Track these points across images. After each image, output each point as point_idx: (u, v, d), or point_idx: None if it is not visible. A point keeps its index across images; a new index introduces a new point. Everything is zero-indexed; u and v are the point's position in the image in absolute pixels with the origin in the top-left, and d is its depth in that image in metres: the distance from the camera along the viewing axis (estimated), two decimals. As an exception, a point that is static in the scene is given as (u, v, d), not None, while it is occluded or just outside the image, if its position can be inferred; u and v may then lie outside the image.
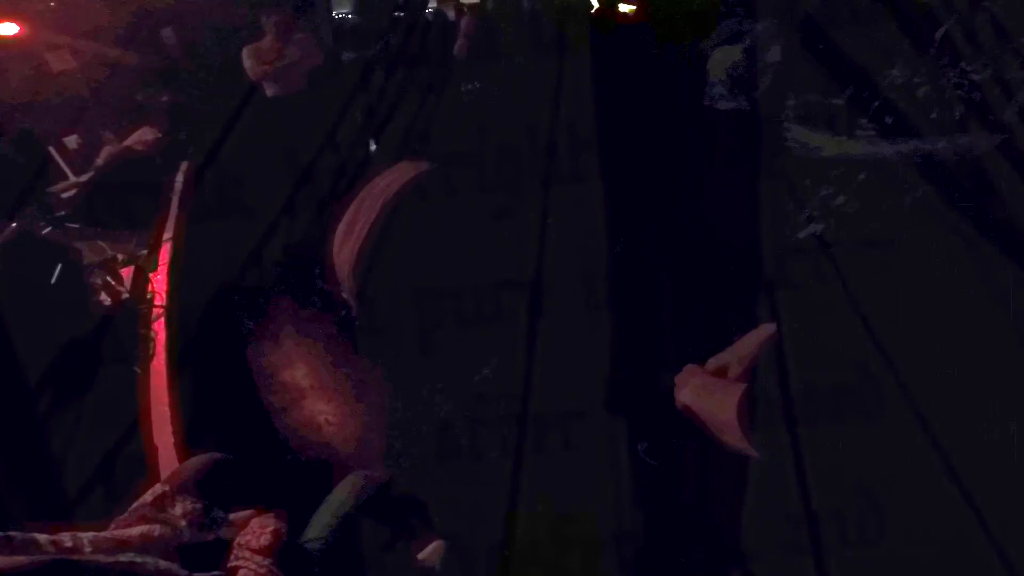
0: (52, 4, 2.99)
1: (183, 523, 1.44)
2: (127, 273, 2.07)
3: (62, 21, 2.96)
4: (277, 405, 2.10)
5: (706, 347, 1.91)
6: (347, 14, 3.96)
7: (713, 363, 1.84)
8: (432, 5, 4.19)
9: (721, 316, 2.00)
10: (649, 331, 2.18)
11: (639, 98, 2.74)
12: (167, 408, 1.77)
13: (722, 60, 2.78)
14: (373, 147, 2.94)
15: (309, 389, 2.10)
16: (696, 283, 2.12)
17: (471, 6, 4.34)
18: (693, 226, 2.25)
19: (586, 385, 2.05)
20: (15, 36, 2.82)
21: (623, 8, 4.35)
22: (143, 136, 2.74)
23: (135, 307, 2.00)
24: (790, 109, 2.57)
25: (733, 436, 1.69)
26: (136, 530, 1.35)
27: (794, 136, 2.45)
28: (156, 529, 1.39)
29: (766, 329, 1.82)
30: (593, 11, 4.38)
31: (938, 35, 2.49)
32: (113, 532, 1.31)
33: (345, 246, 2.13)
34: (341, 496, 1.64)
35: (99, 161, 2.64)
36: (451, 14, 4.25)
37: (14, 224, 2.09)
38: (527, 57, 3.27)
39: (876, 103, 2.47)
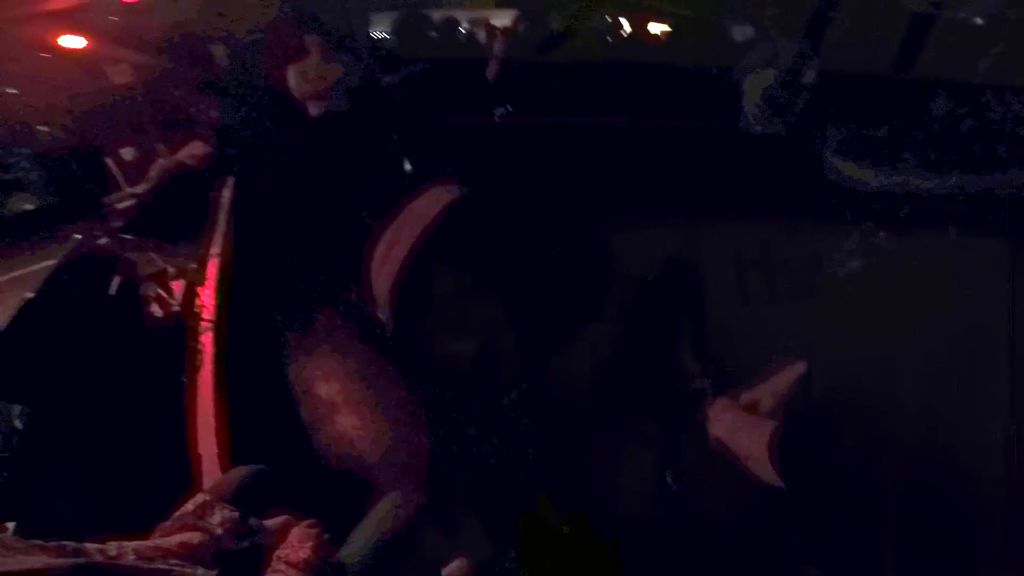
0: (115, 19, 3.13)
1: (220, 531, 1.48)
2: (178, 286, 2.15)
3: (123, 36, 3.10)
4: (311, 419, 2.17)
5: (738, 377, 1.94)
6: (385, 36, 4.06)
7: (746, 398, 1.86)
8: (464, 26, 4.26)
9: (753, 349, 2.02)
10: (679, 356, 2.20)
11: (671, 121, 2.75)
12: (212, 419, 1.85)
13: (756, 84, 2.73)
14: (408, 167, 3.00)
15: (342, 404, 2.16)
16: (728, 312, 2.15)
17: (503, 29, 4.41)
18: (724, 259, 2.27)
19: (612, 412, 2.09)
20: (82, 50, 2.96)
21: (654, 29, 4.37)
22: (193, 150, 2.84)
23: (185, 320, 2.08)
24: (830, 140, 2.53)
25: (764, 471, 1.73)
26: (176, 538, 1.39)
27: (834, 168, 2.43)
28: (196, 536, 1.43)
29: (798, 366, 1.84)
30: (624, 33, 4.42)
31: (982, 67, 2.46)
32: (155, 540, 1.36)
33: (383, 268, 2.19)
34: (380, 515, 1.68)
35: (151, 173, 2.75)
36: (482, 35, 4.31)
37: (78, 236, 2.19)
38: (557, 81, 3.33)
39: (918, 135, 2.42)
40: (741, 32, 3.01)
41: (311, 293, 2.37)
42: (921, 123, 2.41)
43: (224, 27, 3.23)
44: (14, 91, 2.77)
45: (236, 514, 1.48)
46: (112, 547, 1.23)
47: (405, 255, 2.19)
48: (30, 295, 1.94)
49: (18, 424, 1.95)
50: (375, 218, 2.59)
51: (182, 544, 1.37)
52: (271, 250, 2.44)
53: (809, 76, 2.63)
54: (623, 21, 4.37)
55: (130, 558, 1.24)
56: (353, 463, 2.05)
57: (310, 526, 1.50)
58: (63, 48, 2.93)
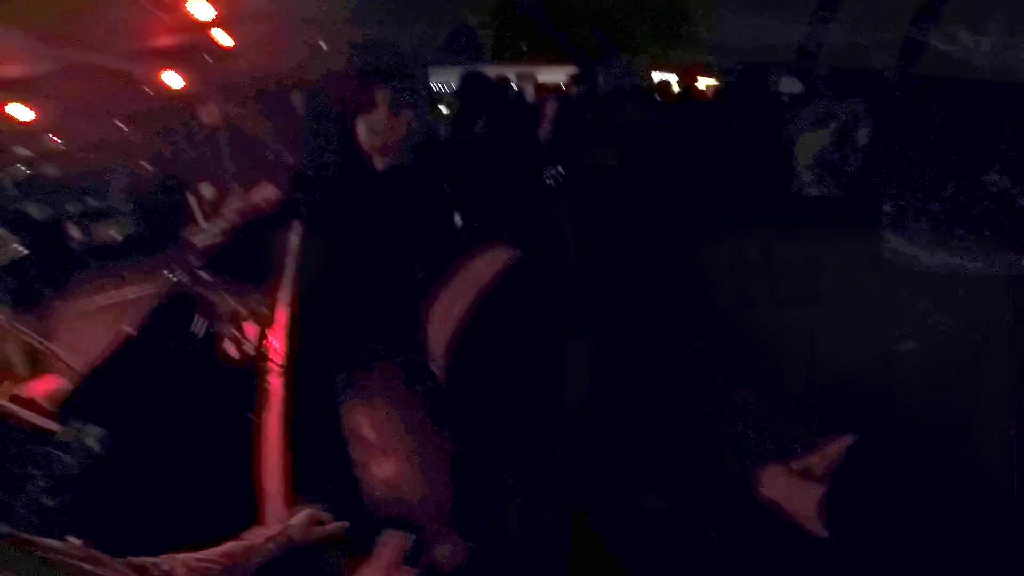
0: (209, 61, 3.38)
1: (260, 541, 1.62)
2: (250, 327, 2.34)
3: (215, 78, 3.35)
4: (358, 461, 2.33)
5: (789, 448, 2.05)
6: (443, 90, 4.27)
7: (798, 465, 2.01)
8: (518, 84, 4.44)
9: (807, 422, 2.11)
10: (730, 422, 2.29)
11: (723, 181, 2.72)
12: (279, 458, 2.01)
13: (809, 145, 2.70)
14: (459, 222, 3.17)
15: (388, 451, 2.31)
16: (783, 388, 2.22)
17: (555, 87, 4.58)
18: (778, 332, 2.30)
19: (654, 472, 2.19)
20: (179, 89, 3.21)
21: (702, 84, 4.47)
22: (265, 193, 3.05)
23: (256, 361, 2.26)
24: (885, 215, 2.44)
25: (813, 525, 1.89)
26: (220, 549, 1.53)
27: (890, 245, 2.36)
28: (238, 547, 1.57)
29: (848, 438, 2.01)
30: (674, 91, 4.51)
31: None
32: (202, 553, 1.50)
33: (442, 325, 2.36)
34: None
35: (226, 213, 2.97)
36: (530, 93, 4.48)
37: (170, 275, 2.37)
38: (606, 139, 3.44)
39: (974, 211, 2.33)
40: (789, 84, 3.06)
41: (367, 341, 2.54)
42: (975, 197, 2.34)
43: (303, 76, 3.47)
44: (123, 126, 3.02)
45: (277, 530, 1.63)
46: (164, 560, 1.38)
47: (462, 314, 2.35)
48: (130, 331, 2.12)
49: (94, 446, 2.11)
50: (429, 273, 2.77)
51: (225, 555, 1.51)
52: (333, 297, 2.62)
53: (863, 137, 2.62)
54: (671, 78, 4.46)
55: (180, 572, 1.39)
56: (397, 509, 2.19)
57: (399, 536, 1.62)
58: (164, 86, 3.18)
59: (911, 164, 2.43)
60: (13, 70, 2.96)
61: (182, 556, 1.42)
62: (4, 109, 2.95)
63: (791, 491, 1.95)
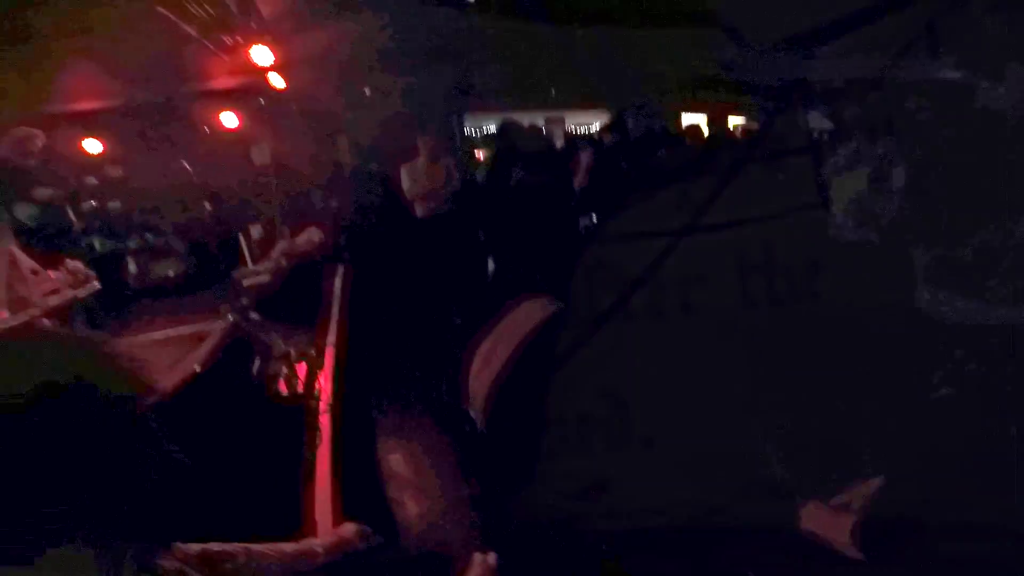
0: (262, 102, 3.57)
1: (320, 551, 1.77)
2: (301, 368, 2.48)
3: (267, 120, 3.54)
4: (393, 497, 2.46)
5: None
6: (486, 137, 4.40)
7: (836, 501, 2.20)
8: (555, 132, 4.52)
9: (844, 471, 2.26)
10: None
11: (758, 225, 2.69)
12: (328, 490, 2.14)
13: (845, 188, 2.68)
14: (492, 268, 3.30)
15: (419, 486, 2.44)
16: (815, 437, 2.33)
17: (586, 138, 4.64)
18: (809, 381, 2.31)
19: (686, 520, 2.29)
20: (234, 129, 3.40)
21: (732, 123, 4.42)
22: (311, 237, 3.21)
23: (306, 401, 2.40)
24: (917, 264, 2.50)
25: (850, 551, 2.12)
26: (277, 545, 1.66)
27: (924, 297, 2.42)
28: (294, 547, 1.71)
29: (879, 480, 2.20)
30: (704, 133, 4.44)
31: None
32: (262, 545, 1.60)
33: (482, 374, 2.50)
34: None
35: (273, 255, 3.12)
36: (561, 139, 4.54)
37: (228, 316, 2.52)
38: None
39: (1005, 262, 2.38)
40: (819, 121, 2.96)
41: (406, 384, 2.68)
42: (1006, 246, 2.39)
43: (350, 121, 3.64)
44: (187, 166, 3.20)
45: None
46: (227, 546, 1.52)
47: (503, 364, 2.50)
48: (198, 368, 2.27)
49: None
50: (466, 319, 2.90)
51: (281, 551, 1.63)
52: (376, 340, 2.76)
53: (899, 178, 2.62)
54: (699, 120, 4.45)
55: (241, 555, 1.52)
56: (429, 541, 2.31)
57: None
58: (220, 125, 3.37)
59: (942, 210, 2.46)
60: (88, 104, 3.15)
61: (242, 544, 1.54)
62: (79, 142, 3.14)
63: (829, 522, 2.14)
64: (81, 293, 2.46)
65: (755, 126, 3.92)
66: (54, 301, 2.39)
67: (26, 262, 2.39)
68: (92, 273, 2.52)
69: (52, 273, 2.44)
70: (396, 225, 3.30)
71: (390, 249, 3.17)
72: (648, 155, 3.99)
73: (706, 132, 4.27)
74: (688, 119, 4.34)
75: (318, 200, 3.35)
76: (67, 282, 2.42)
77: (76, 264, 2.51)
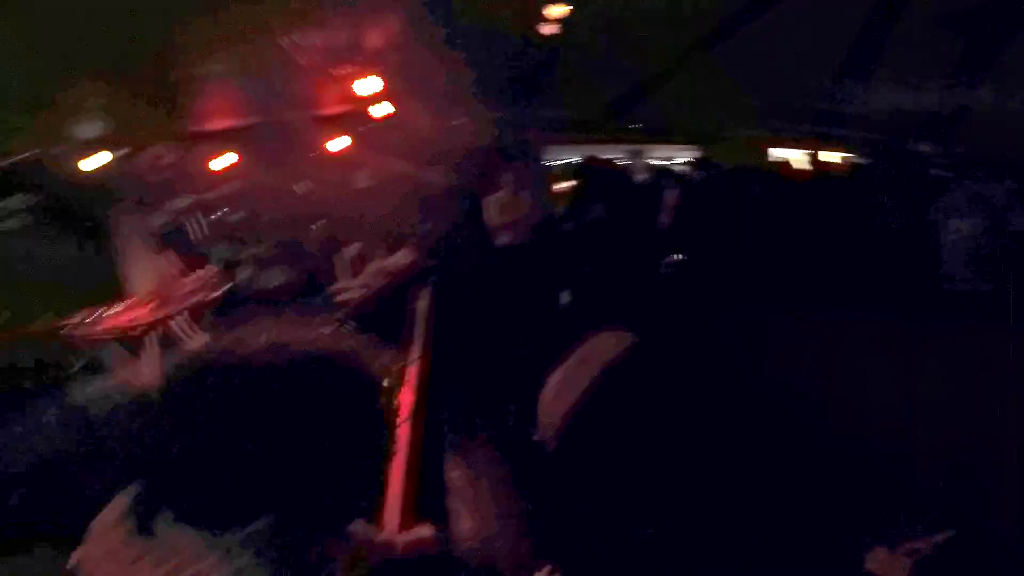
0: (361, 130, 3.87)
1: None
2: (386, 382, 2.69)
3: (370, 146, 3.82)
4: (450, 509, 2.62)
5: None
6: (565, 169, 4.53)
7: (903, 549, 2.15)
8: (628, 163, 4.57)
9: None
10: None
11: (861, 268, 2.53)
12: (400, 502, 2.33)
13: (959, 232, 2.44)
14: (567, 299, 3.43)
15: (476, 506, 2.59)
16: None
17: (669, 172, 4.65)
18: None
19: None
20: (339, 152, 3.70)
21: (825, 159, 4.30)
22: (400, 258, 3.44)
23: (386, 413, 2.61)
24: None
25: None
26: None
27: None
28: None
29: (949, 533, 2.25)
30: (795, 168, 4.31)
31: None
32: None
33: (557, 401, 2.63)
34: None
35: (365, 273, 3.37)
36: (645, 174, 4.56)
37: (324, 329, 2.76)
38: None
39: None
40: (929, 153, 2.72)
41: (478, 407, 2.85)
42: None
43: (445, 150, 3.87)
44: (296, 186, 3.52)
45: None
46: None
47: (578, 395, 2.62)
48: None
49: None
50: (541, 348, 3.05)
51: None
52: (456, 361, 2.95)
53: (1018, 222, 2.38)
54: (790, 155, 4.33)
55: None
56: (479, 559, 2.46)
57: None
58: (328, 150, 3.68)
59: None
60: (221, 122, 3.51)
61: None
62: (215, 157, 3.49)
63: (891, 565, 2.10)
64: (214, 295, 2.75)
65: (855, 160, 3.82)
66: (193, 301, 2.68)
67: (176, 264, 2.70)
68: (224, 278, 2.81)
69: (193, 275, 2.74)
70: (480, 253, 3.48)
71: (473, 276, 3.36)
72: (739, 192, 3.98)
73: (800, 167, 4.13)
74: (780, 153, 4.24)
75: (411, 224, 3.58)
76: (205, 285, 2.72)
77: (212, 268, 2.81)
